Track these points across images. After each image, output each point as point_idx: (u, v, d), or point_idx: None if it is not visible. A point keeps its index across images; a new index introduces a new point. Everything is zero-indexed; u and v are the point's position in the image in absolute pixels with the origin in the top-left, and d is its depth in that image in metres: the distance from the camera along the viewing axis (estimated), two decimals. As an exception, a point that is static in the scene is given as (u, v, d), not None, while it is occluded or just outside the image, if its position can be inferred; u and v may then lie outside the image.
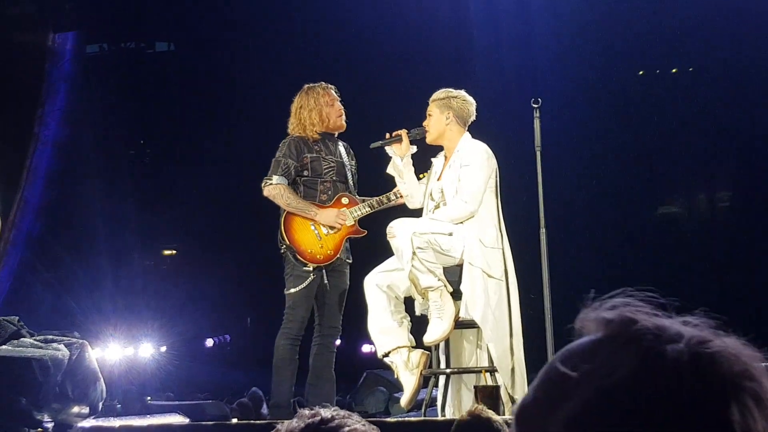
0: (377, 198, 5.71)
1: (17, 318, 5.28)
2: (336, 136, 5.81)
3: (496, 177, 5.22)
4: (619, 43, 10.63)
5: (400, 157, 5.37)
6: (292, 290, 5.51)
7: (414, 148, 5.44)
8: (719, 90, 10.63)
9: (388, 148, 5.44)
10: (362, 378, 9.83)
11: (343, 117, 5.75)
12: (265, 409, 8.37)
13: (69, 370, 4.73)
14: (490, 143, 5.30)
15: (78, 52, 12.61)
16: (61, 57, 12.46)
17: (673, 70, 11.47)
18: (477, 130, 5.38)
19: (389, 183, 5.64)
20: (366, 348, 11.78)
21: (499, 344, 4.96)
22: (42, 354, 4.60)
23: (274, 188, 5.49)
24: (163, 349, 11.69)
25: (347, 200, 5.67)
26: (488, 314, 4.92)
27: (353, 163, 5.88)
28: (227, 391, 10.68)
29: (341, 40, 11.48)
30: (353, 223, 5.64)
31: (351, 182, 5.79)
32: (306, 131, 5.62)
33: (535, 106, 5.54)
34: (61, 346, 4.77)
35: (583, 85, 10.49)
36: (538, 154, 5.47)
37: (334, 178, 5.66)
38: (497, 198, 5.20)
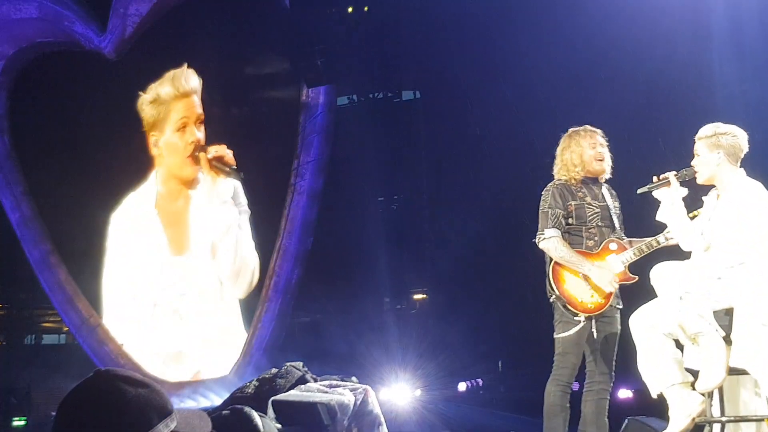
0: (646, 242, 5.48)
1: (302, 363, 5.52)
2: (599, 179, 5.66)
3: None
4: None
5: (669, 201, 5.14)
6: (562, 335, 5.40)
7: (684, 191, 5.18)
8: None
9: (656, 192, 5.21)
10: (624, 425, 9.45)
11: (604, 163, 5.61)
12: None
13: (354, 414, 4.86)
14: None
15: (330, 104, 13.17)
16: (314, 110, 13.07)
17: None
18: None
19: (659, 226, 5.41)
20: (622, 393, 11.33)
21: (781, 392, 4.57)
22: (329, 399, 4.77)
23: (549, 241, 5.41)
24: (418, 392, 11.82)
25: (616, 246, 5.50)
26: (765, 364, 4.55)
27: (617, 204, 5.71)
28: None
29: (600, 80, 11.09)
30: (623, 269, 5.46)
31: (617, 225, 5.62)
32: (569, 173, 5.54)
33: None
34: (346, 392, 4.92)
35: None
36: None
37: (599, 223, 5.51)
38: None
